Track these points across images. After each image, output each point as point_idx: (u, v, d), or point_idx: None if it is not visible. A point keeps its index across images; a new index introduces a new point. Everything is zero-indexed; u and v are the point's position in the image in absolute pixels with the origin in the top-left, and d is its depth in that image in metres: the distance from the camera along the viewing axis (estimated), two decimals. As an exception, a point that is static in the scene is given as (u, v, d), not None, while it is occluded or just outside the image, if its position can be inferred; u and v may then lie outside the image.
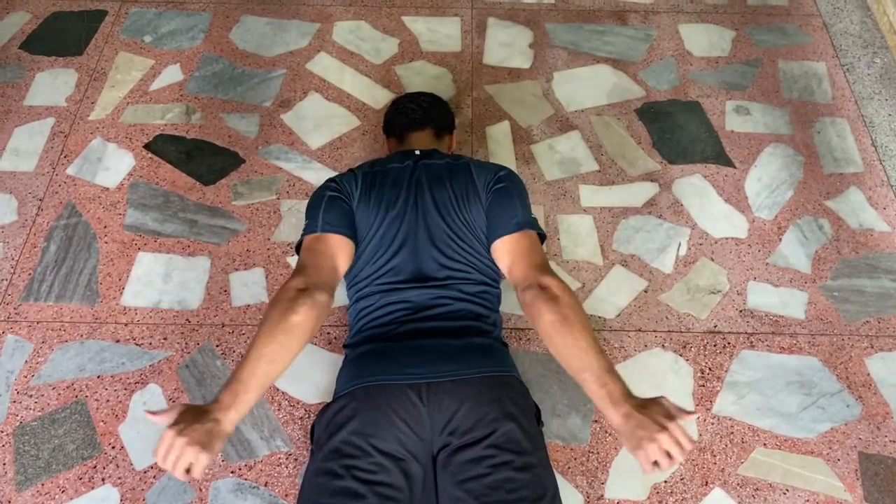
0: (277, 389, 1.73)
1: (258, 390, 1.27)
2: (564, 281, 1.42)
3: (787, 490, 1.61)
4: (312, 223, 1.54)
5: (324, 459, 1.32)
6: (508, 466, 1.28)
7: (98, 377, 1.74)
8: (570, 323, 1.34)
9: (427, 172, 1.61)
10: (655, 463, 1.19)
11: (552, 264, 1.92)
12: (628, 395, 1.25)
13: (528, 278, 1.44)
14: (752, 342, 1.82)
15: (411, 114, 1.81)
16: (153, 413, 1.23)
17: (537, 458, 1.33)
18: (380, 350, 1.44)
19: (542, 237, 1.57)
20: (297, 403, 1.71)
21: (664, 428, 1.18)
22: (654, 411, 1.21)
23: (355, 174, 1.63)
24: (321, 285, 1.41)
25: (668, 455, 1.18)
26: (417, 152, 1.67)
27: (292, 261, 1.93)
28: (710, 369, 1.78)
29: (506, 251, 1.52)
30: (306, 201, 1.68)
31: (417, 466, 1.32)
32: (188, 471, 1.18)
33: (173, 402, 1.71)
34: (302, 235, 1.55)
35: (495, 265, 1.57)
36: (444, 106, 1.89)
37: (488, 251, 1.56)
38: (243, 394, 1.25)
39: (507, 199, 1.57)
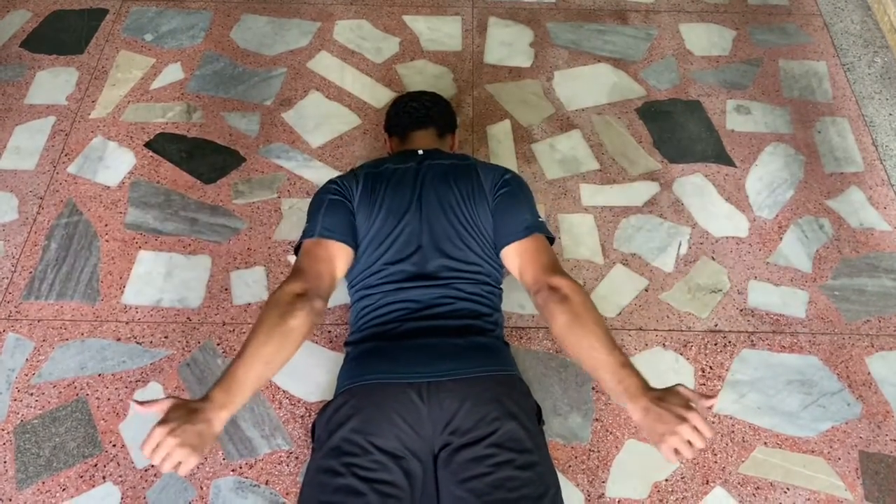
0: (278, 388, 1.73)
1: (251, 390, 1.27)
2: (575, 280, 1.42)
3: (788, 489, 1.61)
4: (312, 227, 1.54)
5: (324, 457, 1.32)
6: (510, 465, 1.29)
7: (99, 375, 1.74)
8: (583, 322, 1.34)
9: (432, 172, 1.60)
10: (677, 451, 1.19)
11: (553, 263, 1.93)
12: (646, 388, 1.25)
13: (538, 281, 1.45)
14: (752, 341, 1.82)
15: (414, 113, 1.80)
16: (142, 403, 1.22)
17: (539, 457, 1.33)
18: (381, 348, 1.44)
19: (550, 240, 1.57)
20: (298, 402, 1.71)
21: (683, 419, 1.18)
22: (673, 402, 1.21)
23: (357, 175, 1.63)
24: (318, 291, 1.42)
25: (690, 443, 1.18)
26: (420, 152, 1.67)
27: (293, 259, 1.93)
28: (710, 368, 1.78)
29: (516, 256, 1.52)
30: (307, 200, 1.68)
31: (418, 465, 1.32)
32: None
33: (174, 400, 1.71)
34: (301, 238, 1.55)
35: (498, 265, 1.58)
36: (446, 105, 1.89)
37: (492, 251, 1.56)
38: (237, 394, 1.25)
39: (514, 204, 1.57)
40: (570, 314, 1.35)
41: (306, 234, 1.54)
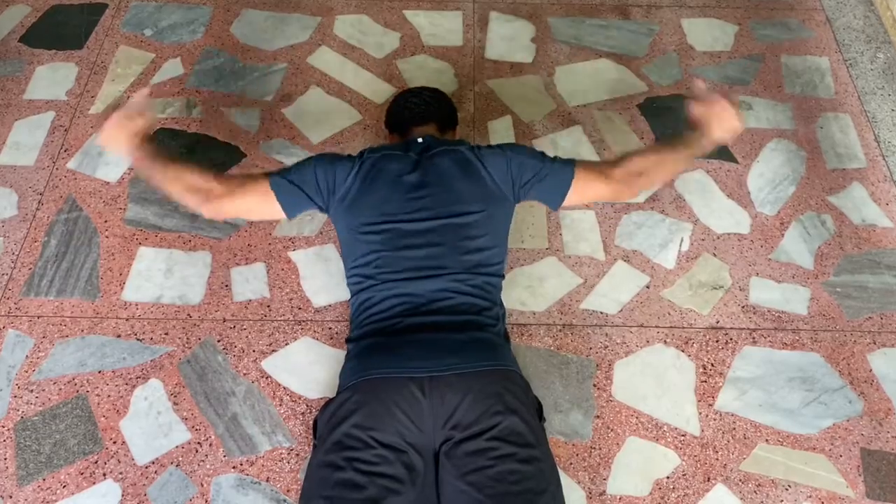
0: (279, 384, 1.73)
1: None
2: (628, 160, 1.62)
3: (789, 486, 1.61)
4: (283, 175, 1.59)
5: (326, 452, 1.32)
6: (512, 458, 1.29)
7: (99, 372, 1.74)
8: (655, 164, 1.64)
9: (434, 161, 1.59)
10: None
11: (554, 259, 1.93)
12: (698, 136, 1.62)
13: (618, 180, 1.61)
14: (754, 338, 1.82)
15: (414, 108, 1.79)
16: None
17: (541, 452, 1.33)
18: (382, 344, 1.44)
19: (570, 162, 1.64)
20: (299, 399, 1.71)
21: (723, 109, 1.59)
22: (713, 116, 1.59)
23: (354, 163, 1.60)
24: (216, 199, 1.54)
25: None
26: (420, 140, 1.65)
27: (293, 255, 1.93)
28: (712, 365, 1.77)
29: (581, 189, 1.62)
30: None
31: (419, 458, 1.33)
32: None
33: (174, 397, 1.71)
34: (267, 172, 1.61)
35: (499, 258, 1.57)
36: (446, 101, 1.88)
37: (492, 244, 1.56)
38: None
39: (534, 168, 1.61)
40: (644, 175, 1.62)
41: (274, 173, 1.59)
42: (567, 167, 1.61)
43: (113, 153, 1.55)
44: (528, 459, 1.30)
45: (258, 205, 1.59)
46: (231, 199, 1.55)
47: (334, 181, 1.58)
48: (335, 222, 1.63)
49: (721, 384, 1.75)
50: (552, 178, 1.61)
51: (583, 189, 1.61)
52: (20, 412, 1.69)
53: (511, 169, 1.60)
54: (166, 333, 1.80)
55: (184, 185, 1.55)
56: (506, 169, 1.60)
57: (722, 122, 1.59)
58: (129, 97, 2.08)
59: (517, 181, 1.60)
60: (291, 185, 1.57)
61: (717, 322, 1.84)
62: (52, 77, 2.31)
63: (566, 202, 1.62)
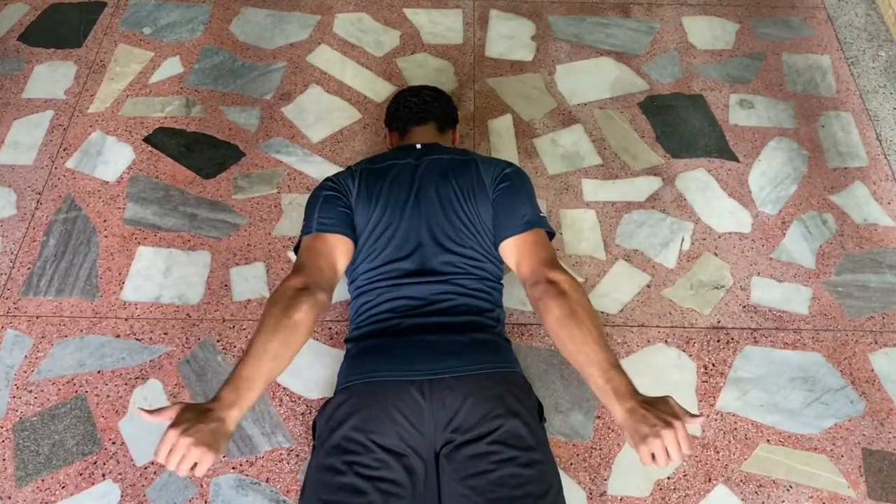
0: (279, 385, 1.72)
1: (261, 387, 1.26)
2: (574, 276, 1.40)
3: (791, 487, 1.61)
4: (309, 223, 1.53)
5: (325, 455, 1.31)
6: (513, 462, 1.28)
7: (98, 372, 1.74)
8: (578, 318, 1.33)
9: (431, 168, 1.59)
10: (654, 457, 1.17)
11: (555, 259, 1.92)
12: (634, 391, 1.24)
13: (535, 274, 1.44)
14: (755, 338, 1.81)
15: (414, 107, 1.79)
16: (149, 412, 1.20)
17: (541, 455, 1.32)
18: (381, 345, 1.43)
19: (550, 235, 1.56)
20: (299, 399, 1.71)
21: (668, 424, 1.16)
22: (660, 409, 1.19)
23: (353, 172, 1.61)
24: (321, 284, 1.41)
25: (668, 453, 1.16)
26: (419, 146, 1.66)
27: (293, 255, 1.92)
28: (713, 365, 1.77)
29: (514, 249, 1.51)
30: (307, 195, 1.67)
31: (419, 462, 1.32)
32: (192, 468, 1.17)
33: (174, 397, 1.70)
34: (300, 236, 1.55)
35: (499, 261, 1.57)
36: (447, 100, 1.87)
37: (493, 247, 1.55)
38: (247, 391, 1.23)
39: (514, 198, 1.56)
40: (566, 308, 1.34)
41: (304, 231, 1.53)
42: (523, 226, 1.51)
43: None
44: (529, 463, 1.29)
45: (334, 258, 1.49)
46: (332, 280, 1.47)
47: (346, 188, 1.59)
48: None
49: (722, 384, 1.74)
50: (506, 217, 1.54)
51: (509, 255, 1.53)
52: (19, 412, 1.68)
53: (496, 179, 1.59)
54: (165, 333, 1.80)
55: (307, 333, 1.36)
56: (493, 177, 1.59)
57: (645, 436, 1.18)
58: (120, 105, 2.07)
59: (493, 193, 1.58)
60: (329, 216, 1.53)
61: (719, 322, 1.83)
62: (51, 76, 2.31)
63: (502, 250, 1.54)
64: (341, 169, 1.71)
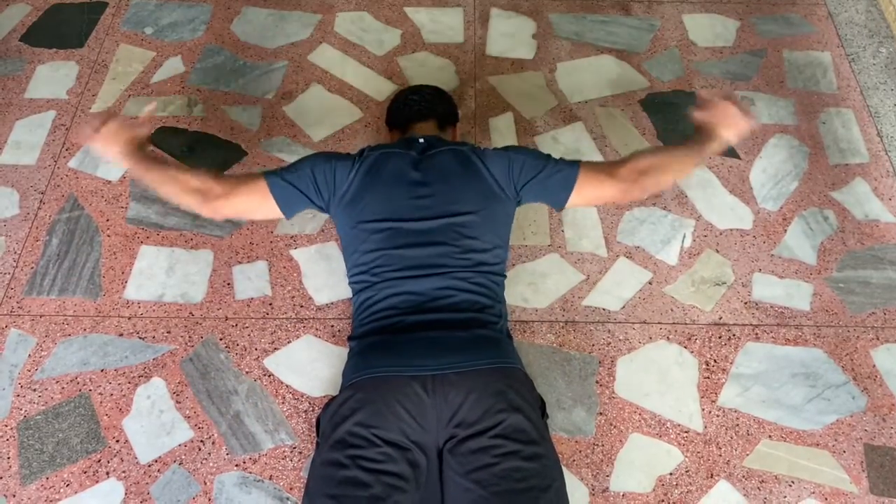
0: (282, 382, 1.73)
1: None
2: (637, 161, 1.59)
3: (793, 482, 1.61)
4: (278, 173, 1.59)
5: (329, 450, 1.32)
6: (516, 456, 1.29)
7: (101, 371, 1.74)
8: (661, 168, 1.60)
9: (434, 161, 1.59)
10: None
11: (556, 256, 1.92)
12: (706, 139, 1.59)
13: (624, 179, 1.59)
14: (756, 334, 1.81)
15: (415, 105, 1.79)
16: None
17: (544, 449, 1.33)
18: (385, 342, 1.44)
19: (577, 163, 1.63)
20: (302, 396, 1.71)
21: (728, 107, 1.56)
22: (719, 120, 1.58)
23: (354, 162, 1.60)
24: (217, 195, 1.55)
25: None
26: (421, 139, 1.65)
27: (295, 253, 1.92)
28: (714, 361, 1.77)
29: (585, 191, 1.60)
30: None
31: (422, 456, 1.33)
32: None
33: (177, 396, 1.71)
34: (264, 172, 1.60)
35: (501, 256, 1.57)
36: (447, 98, 1.87)
37: (494, 243, 1.55)
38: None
39: (538, 170, 1.61)
40: (651, 177, 1.58)
41: (270, 172, 1.60)
42: (571, 166, 1.60)
43: (107, 157, 1.57)
44: (532, 457, 1.30)
45: (256, 205, 1.59)
46: (228, 199, 1.56)
47: (334, 180, 1.58)
48: (335, 221, 1.64)
49: (724, 380, 1.74)
50: (555, 177, 1.60)
51: (588, 189, 1.59)
52: (23, 411, 1.69)
53: (512, 169, 1.59)
54: (168, 332, 1.80)
55: (181, 187, 1.55)
56: (507, 169, 1.59)
57: (728, 124, 1.57)
58: (121, 105, 2.08)
59: (518, 181, 1.60)
60: (288, 185, 1.58)
61: (720, 318, 1.84)
62: (53, 76, 2.31)
63: (571, 203, 1.61)
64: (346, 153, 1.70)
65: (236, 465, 1.62)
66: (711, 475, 1.62)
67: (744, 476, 1.62)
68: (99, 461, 1.62)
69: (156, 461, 1.62)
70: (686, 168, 1.65)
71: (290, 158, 2.10)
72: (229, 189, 1.56)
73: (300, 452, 1.64)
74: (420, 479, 1.31)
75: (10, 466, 1.62)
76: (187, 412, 1.69)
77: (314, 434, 1.62)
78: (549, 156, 1.64)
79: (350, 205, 1.56)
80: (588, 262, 1.93)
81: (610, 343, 1.79)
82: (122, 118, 1.57)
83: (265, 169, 1.67)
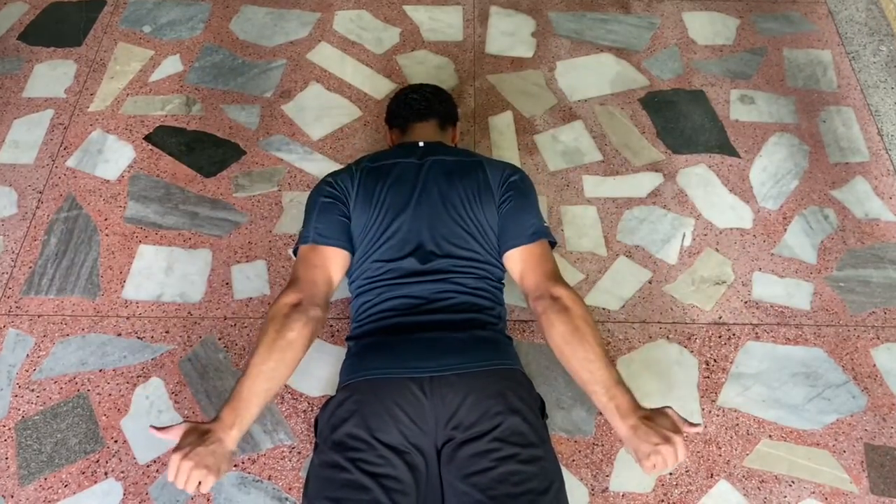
0: (280, 382, 1.72)
1: (259, 407, 1.32)
2: (576, 291, 1.44)
3: (793, 482, 1.61)
4: (307, 232, 1.54)
5: (328, 452, 1.31)
6: (514, 459, 1.28)
7: (100, 371, 1.74)
8: (581, 334, 1.36)
9: (435, 168, 1.58)
10: (654, 466, 1.26)
11: (556, 256, 1.91)
12: (636, 406, 1.30)
13: (539, 288, 1.46)
14: (757, 333, 1.81)
15: (415, 104, 1.79)
16: (158, 429, 1.27)
17: (543, 451, 1.33)
18: (382, 343, 1.43)
19: (552, 244, 1.57)
20: (301, 396, 1.71)
21: (667, 440, 1.24)
22: (661, 423, 1.27)
23: (353, 172, 1.61)
24: (315, 299, 1.44)
25: (666, 464, 1.25)
26: (421, 144, 1.66)
27: (293, 254, 1.92)
28: (714, 361, 1.77)
29: (518, 260, 1.52)
30: (308, 193, 1.67)
31: (421, 459, 1.32)
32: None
33: (175, 396, 1.70)
34: (297, 244, 1.56)
35: (501, 263, 1.56)
36: (447, 97, 1.87)
37: (495, 248, 1.55)
38: (244, 410, 1.30)
39: (521, 207, 1.57)
40: (569, 325, 1.38)
41: (301, 239, 1.55)
42: (533, 237, 1.52)
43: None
44: (530, 459, 1.29)
45: (337, 269, 1.53)
46: (327, 295, 1.49)
47: (345, 191, 1.58)
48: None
49: (724, 380, 1.74)
50: (512, 225, 1.54)
51: (520, 265, 1.52)
52: (21, 411, 1.68)
53: (503, 185, 1.59)
54: (167, 332, 1.80)
55: (301, 351, 1.39)
56: (499, 181, 1.59)
57: (648, 453, 1.25)
58: (120, 104, 2.07)
59: (498, 199, 1.59)
60: (328, 226, 1.54)
61: (720, 317, 1.83)
62: (51, 75, 2.31)
63: (506, 259, 1.55)
64: (341, 167, 1.70)
65: (235, 466, 1.61)
66: (711, 475, 1.61)
67: (744, 476, 1.61)
68: (97, 461, 1.62)
69: (154, 461, 1.62)
70: (579, 368, 1.35)
71: (289, 157, 2.10)
72: (308, 292, 1.44)
73: (299, 452, 1.63)
74: (419, 481, 1.31)
75: (9, 467, 1.61)
76: (186, 412, 1.68)
77: (312, 434, 1.61)
78: (533, 211, 1.58)
79: (354, 216, 1.56)
80: (587, 261, 1.92)
81: (610, 343, 1.79)
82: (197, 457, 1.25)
83: (296, 245, 1.57)
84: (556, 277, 1.48)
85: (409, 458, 1.31)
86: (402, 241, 1.51)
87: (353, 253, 1.55)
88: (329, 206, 1.56)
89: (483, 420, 1.31)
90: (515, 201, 1.57)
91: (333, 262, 1.51)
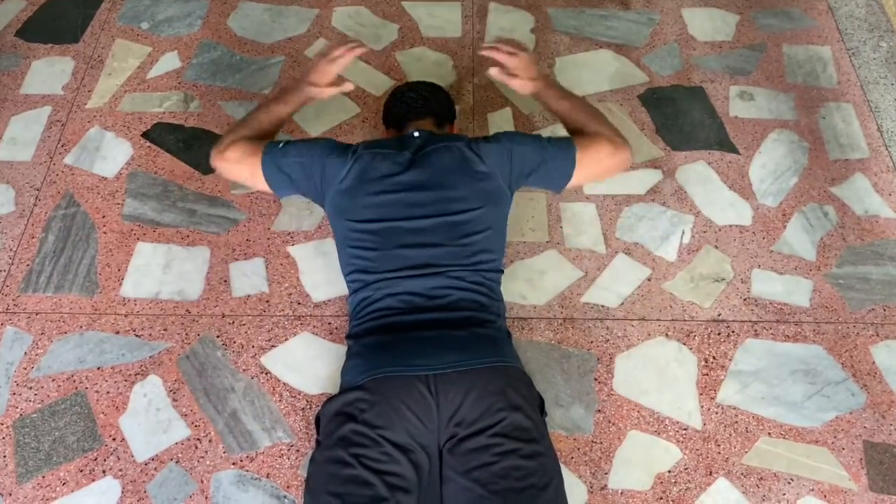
0: (279, 380, 1.72)
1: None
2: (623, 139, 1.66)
3: (792, 479, 1.60)
4: (277, 152, 1.62)
5: (332, 448, 1.32)
6: (515, 454, 1.29)
7: (98, 369, 1.73)
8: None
9: (428, 161, 1.58)
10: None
11: (555, 252, 1.92)
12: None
13: (603, 135, 1.66)
14: (756, 330, 1.81)
15: (411, 102, 1.77)
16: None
17: (544, 447, 1.33)
18: (385, 342, 1.43)
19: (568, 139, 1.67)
20: (299, 394, 1.70)
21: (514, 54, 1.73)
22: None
23: (348, 161, 1.58)
24: (230, 161, 1.64)
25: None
26: (416, 134, 1.64)
27: (292, 250, 1.92)
28: (713, 358, 1.76)
29: (584, 167, 1.63)
30: (306, 191, 1.66)
31: (425, 457, 1.33)
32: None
33: (174, 394, 1.70)
34: (268, 145, 1.64)
35: (498, 252, 1.56)
36: (444, 95, 1.86)
37: (490, 240, 1.54)
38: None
39: (539, 162, 1.61)
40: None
41: (274, 145, 1.64)
42: (568, 150, 1.61)
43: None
44: (531, 455, 1.30)
45: (250, 179, 1.66)
46: (232, 164, 1.64)
47: (322, 175, 1.58)
48: (329, 219, 1.63)
49: (723, 377, 1.74)
50: (554, 162, 1.61)
51: (586, 163, 1.62)
52: (19, 409, 1.68)
53: (512, 161, 1.59)
54: (165, 329, 1.79)
55: (237, 130, 1.68)
56: (506, 161, 1.59)
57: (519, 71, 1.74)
58: (118, 101, 2.07)
59: (519, 173, 1.59)
60: (278, 171, 1.61)
61: (719, 315, 1.83)
62: (49, 71, 2.30)
63: (570, 184, 1.64)
64: (343, 144, 1.68)
65: (233, 464, 1.61)
66: (710, 472, 1.61)
67: (743, 473, 1.61)
68: (95, 459, 1.62)
69: (152, 459, 1.62)
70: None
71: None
72: (238, 155, 1.63)
73: (297, 450, 1.63)
74: (422, 480, 1.31)
75: (6, 465, 1.61)
76: (184, 410, 1.68)
77: (312, 432, 1.61)
78: (541, 139, 1.65)
79: (343, 205, 1.55)
80: (586, 258, 1.92)
81: (608, 340, 1.79)
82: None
83: (278, 139, 1.69)
84: (595, 135, 1.66)
85: (413, 456, 1.31)
86: (398, 232, 1.51)
87: (356, 230, 1.55)
88: (297, 167, 1.60)
89: (485, 416, 1.31)
90: (531, 160, 1.61)
91: (255, 180, 1.64)
